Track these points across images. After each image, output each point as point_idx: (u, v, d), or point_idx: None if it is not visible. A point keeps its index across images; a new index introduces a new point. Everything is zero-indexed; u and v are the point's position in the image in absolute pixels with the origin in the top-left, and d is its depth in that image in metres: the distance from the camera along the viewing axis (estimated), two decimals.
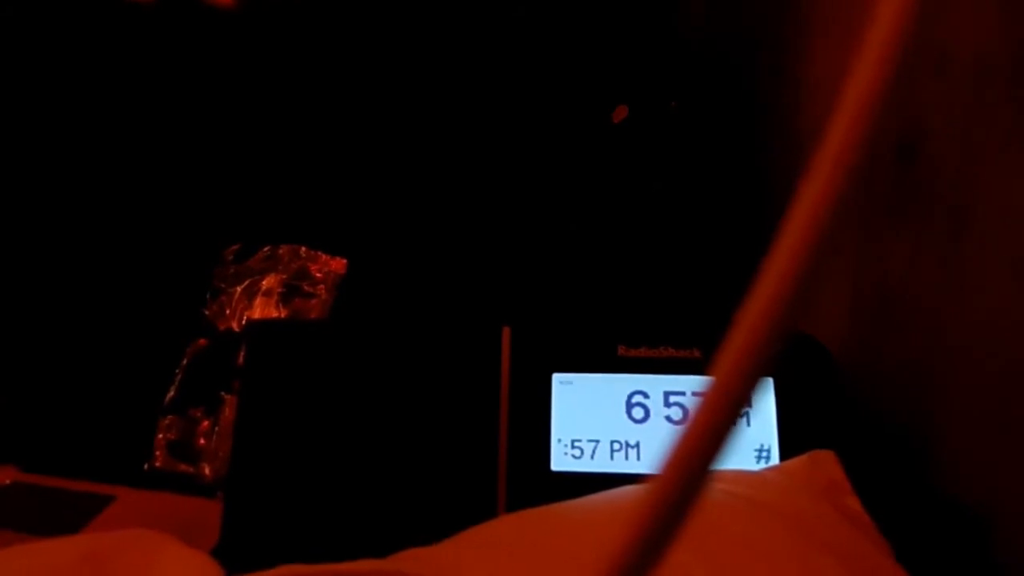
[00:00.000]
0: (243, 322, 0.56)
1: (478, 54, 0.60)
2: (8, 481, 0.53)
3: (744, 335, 0.12)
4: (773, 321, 0.12)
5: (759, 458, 0.41)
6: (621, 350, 0.42)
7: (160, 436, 0.53)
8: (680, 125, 0.58)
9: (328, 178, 0.61)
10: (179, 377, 0.55)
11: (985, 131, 0.39)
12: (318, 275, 0.58)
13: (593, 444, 0.41)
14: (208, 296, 0.58)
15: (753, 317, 0.12)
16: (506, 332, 0.42)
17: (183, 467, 0.53)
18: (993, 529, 0.36)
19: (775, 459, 0.40)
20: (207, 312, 0.57)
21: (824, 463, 0.38)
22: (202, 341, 0.56)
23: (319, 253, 0.59)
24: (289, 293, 0.57)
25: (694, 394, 0.41)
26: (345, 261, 0.59)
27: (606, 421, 0.41)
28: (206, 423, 0.54)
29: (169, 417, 0.54)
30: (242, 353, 0.54)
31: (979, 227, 0.39)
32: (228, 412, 0.53)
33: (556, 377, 0.41)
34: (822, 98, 0.55)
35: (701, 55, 0.66)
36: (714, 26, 0.69)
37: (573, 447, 0.41)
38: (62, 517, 0.49)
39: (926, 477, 0.39)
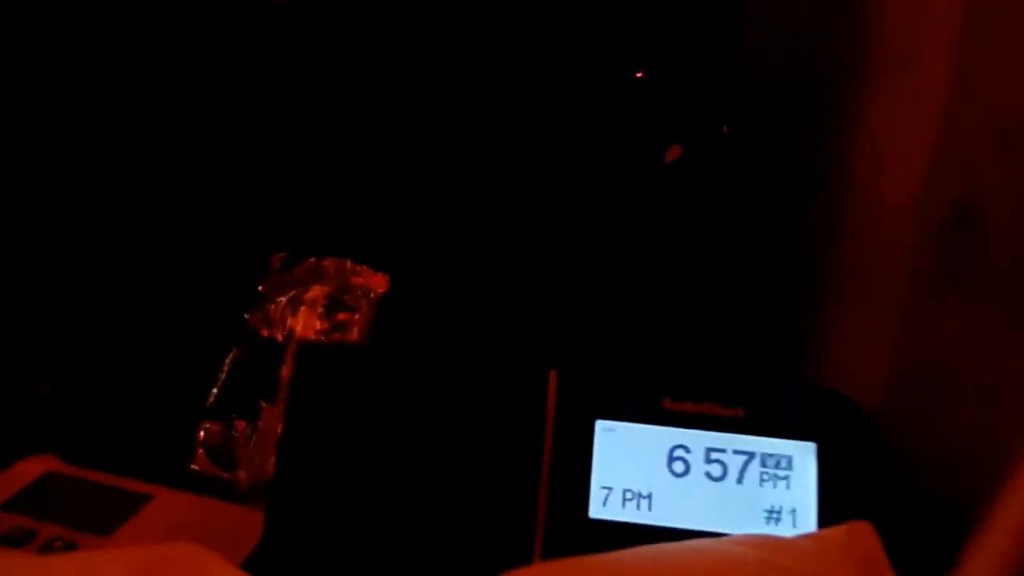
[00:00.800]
0: (286, 332, 0.57)
1: (537, 81, 0.60)
2: (47, 471, 0.54)
3: None
4: None
5: (795, 523, 0.41)
6: (666, 402, 0.42)
7: (200, 439, 0.54)
8: (732, 156, 0.58)
9: (379, 194, 0.62)
10: (221, 382, 0.56)
11: None
12: (361, 289, 0.58)
13: (632, 494, 0.41)
14: (253, 303, 0.58)
15: None
16: (553, 375, 0.43)
17: (220, 472, 0.54)
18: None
19: (812, 525, 0.41)
20: (251, 319, 0.58)
21: (862, 535, 0.38)
22: (244, 348, 0.57)
23: (364, 267, 0.59)
24: (332, 306, 0.58)
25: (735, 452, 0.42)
26: (387, 277, 0.59)
27: (646, 472, 0.42)
28: (245, 430, 0.54)
29: (209, 421, 0.55)
30: (286, 366, 0.55)
31: None
32: (266, 421, 0.54)
33: (599, 424, 0.42)
34: (876, 153, 0.54)
35: (756, 84, 0.65)
36: (771, 56, 0.68)
37: (612, 495, 0.41)
38: (100, 513, 0.51)
39: (914, 476, 0.39)
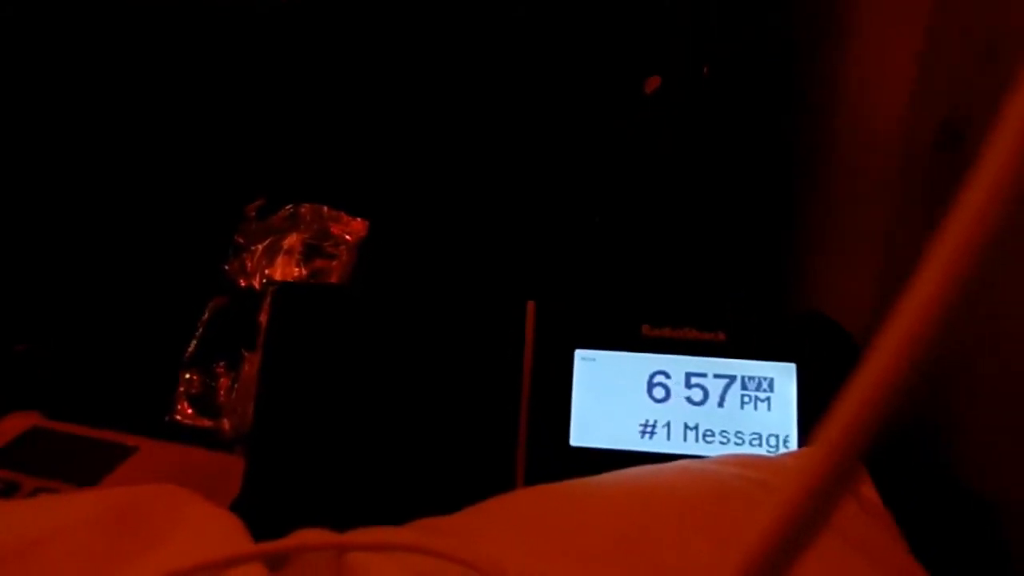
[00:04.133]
0: (264, 280, 0.56)
1: (511, 23, 0.58)
2: (31, 426, 0.54)
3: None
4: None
5: (778, 445, 0.41)
6: (645, 329, 0.42)
7: (181, 390, 0.54)
8: (712, 92, 0.57)
9: (353, 139, 0.61)
10: (200, 332, 0.55)
11: None
12: (339, 236, 0.58)
13: (613, 421, 0.41)
14: (230, 252, 0.58)
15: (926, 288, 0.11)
16: (531, 307, 0.42)
17: (203, 421, 0.53)
18: (1009, 523, 0.36)
19: (793, 446, 0.41)
20: (228, 269, 0.57)
21: None
22: (223, 298, 0.56)
23: (341, 213, 0.58)
24: (310, 252, 0.57)
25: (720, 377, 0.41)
26: (366, 222, 0.58)
27: (627, 399, 0.41)
28: (226, 379, 0.54)
29: (190, 371, 0.54)
30: (264, 312, 0.55)
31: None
32: (248, 369, 0.53)
33: (579, 353, 0.41)
34: (860, 76, 0.53)
35: (736, 22, 0.64)
36: None
37: (593, 423, 0.41)
38: (84, 465, 0.50)
39: (945, 469, 0.39)
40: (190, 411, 0.54)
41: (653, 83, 0.56)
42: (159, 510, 0.34)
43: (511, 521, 0.34)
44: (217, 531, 0.32)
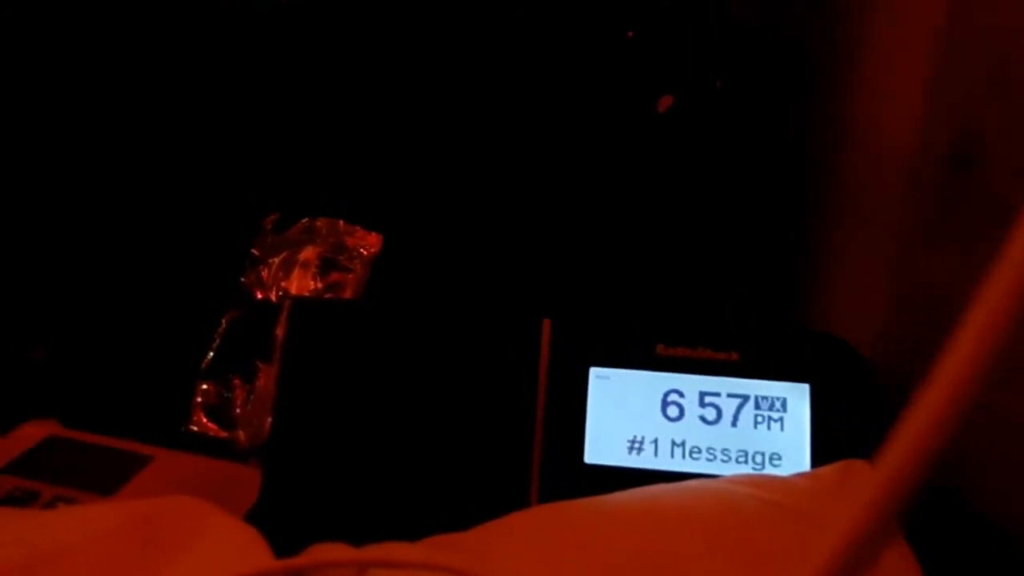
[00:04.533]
0: (280, 293, 0.57)
1: (527, 42, 0.59)
2: (48, 435, 0.54)
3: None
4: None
5: (791, 465, 0.41)
6: (659, 348, 0.42)
7: (198, 400, 0.55)
8: (725, 107, 0.57)
9: (368, 153, 0.61)
10: (217, 344, 0.56)
11: None
12: (355, 249, 0.58)
13: (627, 439, 0.41)
14: (246, 265, 0.58)
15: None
16: (546, 324, 0.43)
17: (219, 432, 0.54)
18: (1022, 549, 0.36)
19: (806, 466, 0.41)
20: (245, 281, 0.58)
21: (856, 472, 0.38)
22: (240, 310, 0.57)
23: (356, 227, 0.59)
24: (326, 266, 0.58)
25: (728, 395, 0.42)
26: (381, 237, 0.59)
27: (641, 417, 0.42)
28: (242, 391, 0.55)
29: (207, 382, 0.55)
30: (280, 325, 0.55)
31: None
32: (263, 381, 0.54)
33: (594, 371, 0.42)
34: (872, 94, 0.54)
35: (748, 38, 0.64)
36: (764, 9, 0.67)
37: (607, 441, 0.41)
38: (101, 474, 0.51)
39: (958, 493, 0.40)
40: (206, 422, 0.54)
41: (666, 102, 0.56)
42: (180, 523, 0.35)
43: (527, 538, 0.34)
44: (238, 545, 0.33)
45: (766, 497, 0.36)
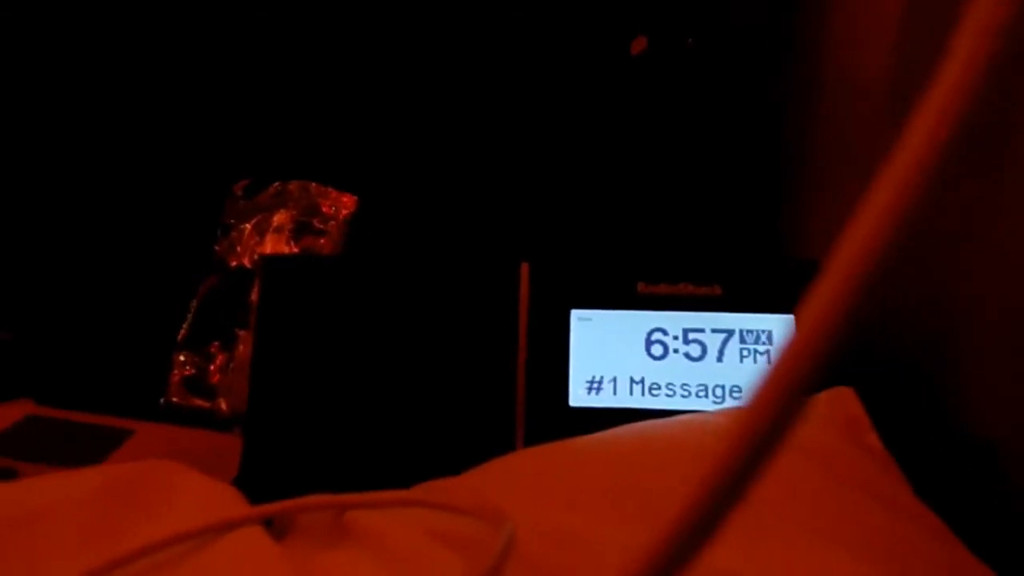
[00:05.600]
0: (254, 258, 0.56)
1: None
2: (26, 414, 0.53)
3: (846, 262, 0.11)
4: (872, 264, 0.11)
5: None
6: (641, 287, 0.41)
7: (175, 372, 0.53)
8: (697, 61, 0.56)
9: (337, 113, 0.60)
10: (192, 314, 0.54)
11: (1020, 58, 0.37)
12: (328, 212, 0.57)
13: (611, 380, 0.41)
14: (218, 232, 0.57)
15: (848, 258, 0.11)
16: (524, 268, 0.42)
17: (199, 402, 0.53)
18: (1011, 463, 0.36)
19: None
20: (218, 248, 0.56)
21: (843, 400, 0.38)
22: (214, 278, 0.55)
23: (329, 189, 0.58)
24: (299, 230, 0.56)
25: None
26: (355, 198, 0.58)
27: (625, 358, 0.41)
28: (221, 359, 0.54)
29: (184, 353, 0.54)
30: (256, 289, 0.54)
31: (1011, 155, 0.37)
32: (243, 348, 0.53)
33: (575, 313, 0.41)
34: (847, 38, 0.53)
35: None
36: None
37: (591, 383, 0.41)
38: (81, 450, 0.50)
39: (945, 412, 0.39)
40: (185, 393, 0.53)
41: (639, 44, 0.55)
42: (156, 483, 0.34)
43: (512, 478, 0.34)
44: (215, 499, 0.32)
45: None
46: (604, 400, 0.41)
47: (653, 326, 0.41)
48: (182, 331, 0.54)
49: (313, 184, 0.58)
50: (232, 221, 0.57)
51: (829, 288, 0.11)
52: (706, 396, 0.40)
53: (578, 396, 0.40)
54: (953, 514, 0.32)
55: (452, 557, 0.25)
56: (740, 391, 0.40)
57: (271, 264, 0.44)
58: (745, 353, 0.41)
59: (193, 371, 0.53)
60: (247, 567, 0.25)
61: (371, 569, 0.25)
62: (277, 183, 0.58)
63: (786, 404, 0.11)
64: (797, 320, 0.11)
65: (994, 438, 0.37)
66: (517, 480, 0.33)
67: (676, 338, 0.41)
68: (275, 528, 0.33)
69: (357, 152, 0.60)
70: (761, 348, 0.41)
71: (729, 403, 0.40)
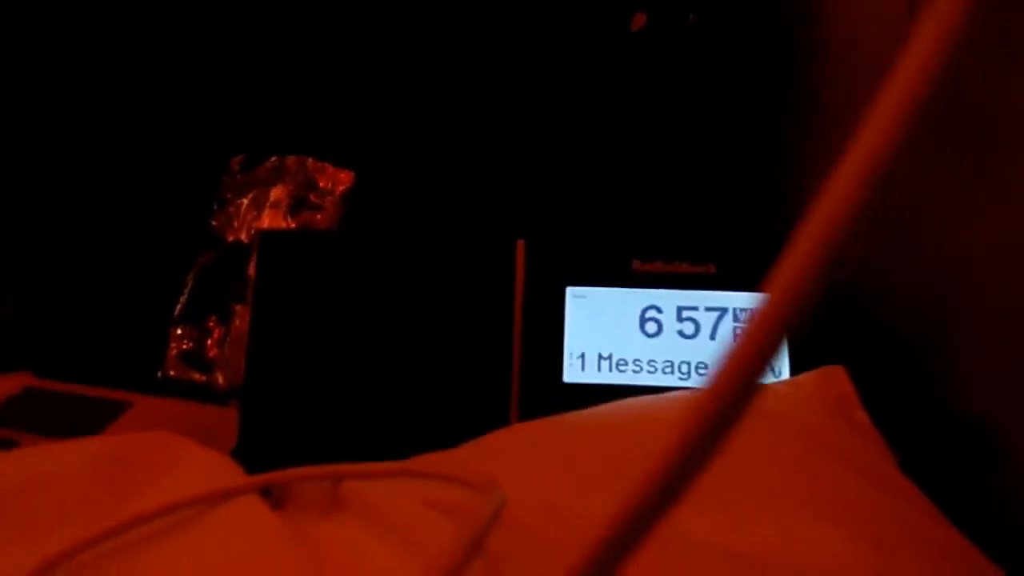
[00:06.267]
0: (251, 233, 0.56)
1: None
2: (25, 386, 0.53)
3: (803, 250, 0.11)
4: (833, 240, 0.11)
5: (772, 376, 0.41)
6: (636, 264, 0.41)
7: (173, 345, 0.54)
8: (698, 38, 0.56)
9: (334, 88, 0.60)
10: (189, 288, 0.55)
11: (1017, 42, 0.37)
12: (325, 187, 0.57)
13: (605, 357, 0.41)
14: (215, 207, 0.57)
15: (814, 233, 0.11)
16: (520, 245, 0.42)
17: (196, 376, 0.53)
18: (1000, 444, 0.36)
19: (786, 374, 0.41)
20: (214, 223, 0.56)
21: (834, 377, 0.38)
22: (211, 252, 0.56)
23: (326, 165, 0.57)
24: (296, 205, 0.56)
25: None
26: (352, 173, 0.58)
27: (619, 335, 0.41)
28: (218, 333, 0.54)
29: (181, 327, 0.54)
30: (252, 263, 0.54)
31: (1007, 139, 0.37)
32: (239, 322, 0.53)
33: (570, 291, 0.41)
34: (849, 13, 0.52)
35: None
36: None
37: (586, 360, 0.41)
38: (79, 422, 0.50)
39: (936, 394, 0.40)
40: (183, 366, 0.53)
41: (639, 20, 0.55)
42: (154, 454, 0.34)
43: (506, 452, 0.34)
44: (213, 470, 0.32)
45: None
46: (598, 376, 0.41)
47: (647, 304, 0.41)
48: (179, 305, 0.54)
49: (310, 159, 0.57)
50: (229, 195, 0.57)
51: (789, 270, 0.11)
52: (699, 374, 0.41)
53: (572, 372, 0.41)
54: (945, 496, 0.32)
55: (448, 525, 0.25)
56: None
57: (268, 239, 0.44)
58: (738, 331, 0.41)
59: (190, 345, 0.54)
60: (244, 535, 0.26)
61: (367, 537, 0.25)
62: (274, 157, 0.58)
63: (749, 376, 0.11)
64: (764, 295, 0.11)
65: (990, 421, 0.38)
66: (510, 454, 0.34)
67: (670, 316, 0.41)
68: (272, 500, 0.34)
69: (354, 127, 0.59)
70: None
71: None
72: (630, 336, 0.41)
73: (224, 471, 0.32)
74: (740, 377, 0.12)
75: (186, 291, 0.55)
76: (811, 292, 0.12)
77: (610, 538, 0.11)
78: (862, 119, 0.12)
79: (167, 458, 0.33)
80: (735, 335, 0.39)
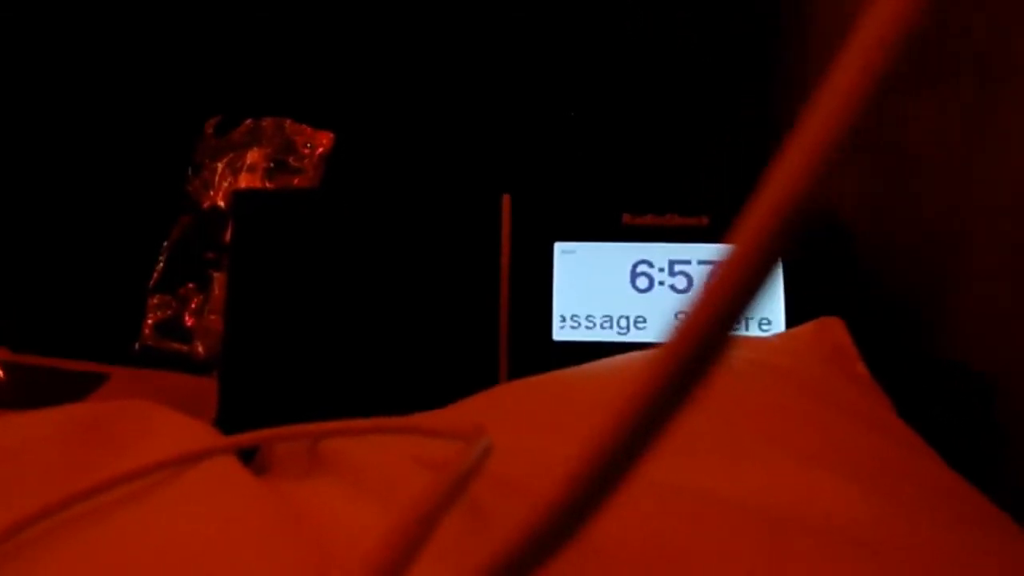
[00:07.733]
0: (228, 197, 0.54)
1: None
2: None
3: (772, 198, 0.10)
4: (806, 184, 0.10)
5: (764, 329, 0.40)
6: (626, 218, 0.40)
7: (150, 315, 0.52)
8: None
9: (311, 46, 0.57)
10: (165, 256, 0.53)
11: None
12: (304, 149, 0.55)
13: (596, 314, 0.40)
14: (189, 172, 0.55)
15: (784, 179, 0.10)
16: (506, 200, 0.40)
17: (175, 345, 0.52)
18: (999, 394, 0.36)
19: (781, 327, 0.40)
20: (190, 189, 0.55)
21: (831, 329, 0.37)
22: (186, 218, 0.54)
23: (304, 126, 0.55)
24: (275, 168, 0.55)
25: (704, 262, 0.40)
26: (332, 135, 0.56)
27: (609, 291, 0.40)
28: (196, 301, 0.52)
29: (158, 296, 0.52)
30: (230, 228, 0.52)
31: (1010, 85, 0.36)
32: (218, 290, 0.52)
33: (558, 246, 0.40)
34: None
35: None
36: None
37: (575, 317, 0.40)
38: (56, 396, 0.49)
39: (936, 344, 0.39)
40: (160, 337, 0.52)
41: None
42: (131, 420, 0.33)
43: (494, 409, 0.33)
44: (191, 435, 0.31)
45: (743, 355, 0.35)
46: (588, 334, 0.40)
47: (638, 258, 0.40)
48: (155, 274, 0.53)
49: (287, 121, 0.55)
50: (204, 160, 0.55)
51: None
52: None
53: (562, 330, 0.40)
54: (944, 445, 0.31)
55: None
56: None
57: (243, 199, 0.43)
58: (703, 282, 0.40)
59: (168, 314, 0.52)
60: (217, 494, 0.25)
61: (350, 493, 0.24)
62: (249, 120, 0.56)
63: (713, 329, 0.10)
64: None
65: (982, 368, 0.37)
66: (499, 411, 0.33)
67: (662, 270, 0.40)
68: (254, 466, 0.32)
69: (333, 86, 0.57)
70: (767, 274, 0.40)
71: None
72: (621, 291, 0.40)
73: (203, 437, 0.31)
74: (703, 329, 0.10)
75: (162, 259, 0.53)
76: (778, 239, 0.11)
77: (571, 486, 0.10)
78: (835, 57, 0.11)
79: (145, 424, 0.32)
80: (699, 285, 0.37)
